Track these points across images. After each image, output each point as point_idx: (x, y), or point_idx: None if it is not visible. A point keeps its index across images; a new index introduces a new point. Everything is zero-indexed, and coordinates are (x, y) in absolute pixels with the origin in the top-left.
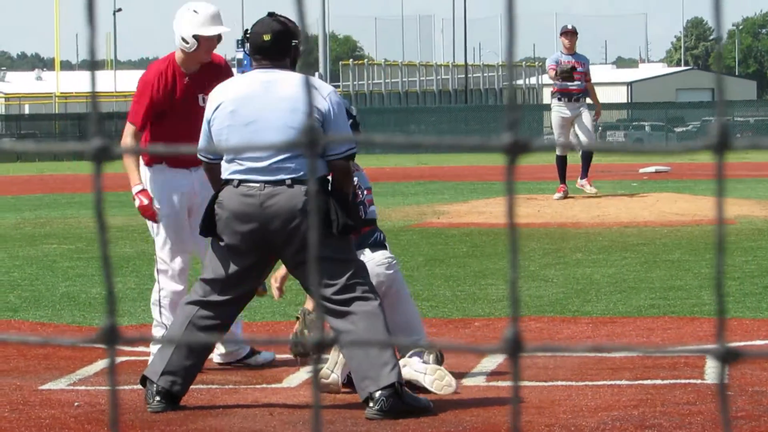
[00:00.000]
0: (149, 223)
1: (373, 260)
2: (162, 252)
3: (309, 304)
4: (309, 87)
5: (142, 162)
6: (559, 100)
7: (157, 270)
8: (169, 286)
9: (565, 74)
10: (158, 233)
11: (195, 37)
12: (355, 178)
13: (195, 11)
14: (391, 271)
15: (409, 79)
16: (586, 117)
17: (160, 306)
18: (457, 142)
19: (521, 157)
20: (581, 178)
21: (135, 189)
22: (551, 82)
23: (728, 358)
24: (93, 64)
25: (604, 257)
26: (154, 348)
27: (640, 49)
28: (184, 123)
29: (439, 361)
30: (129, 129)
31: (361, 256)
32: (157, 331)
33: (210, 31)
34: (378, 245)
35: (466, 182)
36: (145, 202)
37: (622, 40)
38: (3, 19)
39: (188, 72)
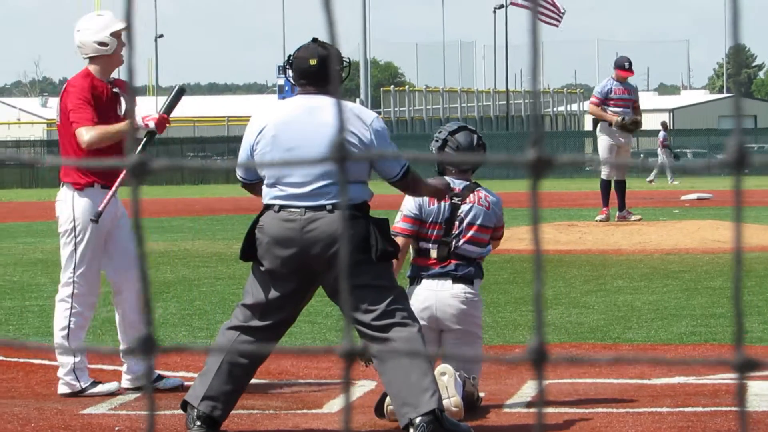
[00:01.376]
0: (66, 246)
1: (450, 291)
2: (80, 276)
3: None
4: (340, 104)
5: (72, 188)
6: (609, 126)
7: (72, 294)
8: (83, 310)
9: (626, 125)
10: (77, 257)
11: (111, 34)
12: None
13: (100, 14)
14: (465, 306)
15: (450, 105)
16: (629, 148)
17: (69, 329)
18: (485, 158)
19: (545, 172)
20: (620, 211)
21: (139, 118)
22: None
23: (746, 367)
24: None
25: (645, 284)
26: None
27: (682, 76)
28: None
29: (475, 398)
30: (84, 129)
31: (440, 285)
32: (66, 358)
33: (121, 24)
34: (463, 280)
35: (507, 209)
36: (156, 116)
37: (665, 67)
38: (45, 45)
39: (107, 81)
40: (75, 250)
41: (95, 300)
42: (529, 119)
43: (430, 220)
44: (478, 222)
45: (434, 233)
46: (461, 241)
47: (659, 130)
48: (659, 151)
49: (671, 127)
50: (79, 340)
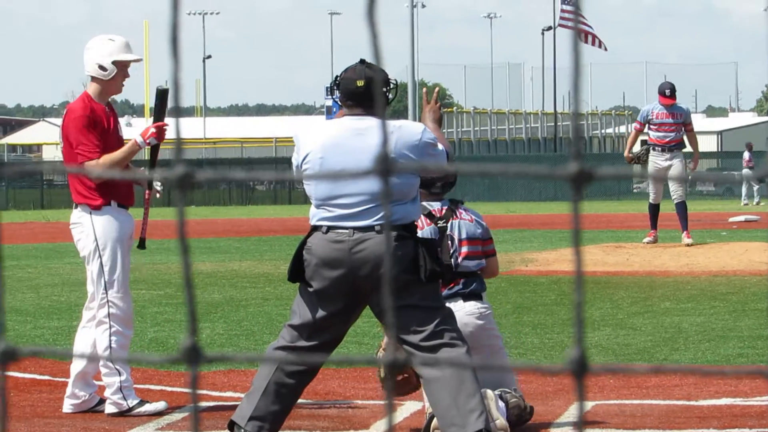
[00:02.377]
0: (92, 268)
1: (463, 309)
2: (113, 294)
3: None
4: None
5: (88, 209)
6: (654, 149)
7: (109, 314)
8: (122, 329)
9: (636, 160)
10: (106, 277)
11: (114, 63)
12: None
13: (111, 39)
14: (482, 322)
15: (498, 127)
16: (679, 168)
17: (110, 348)
18: (524, 171)
19: (586, 185)
20: (683, 231)
21: (138, 137)
22: (646, 130)
23: None
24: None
25: (692, 306)
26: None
27: (731, 98)
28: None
29: (523, 407)
30: (91, 164)
31: (452, 305)
32: (111, 378)
33: (128, 56)
34: (472, 296)
35: (554, 230)
36: (153, 129)
37: (713, 89)
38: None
39: (104, 104)
40: (102, 269)
41: (132, 315)
42: (570, 134)
43: None
44: (468, 235)
45: None
46: (459, 259)
47: (742, 151)
48: (744, 171)
49: (720, 149)
50: (122, 359)
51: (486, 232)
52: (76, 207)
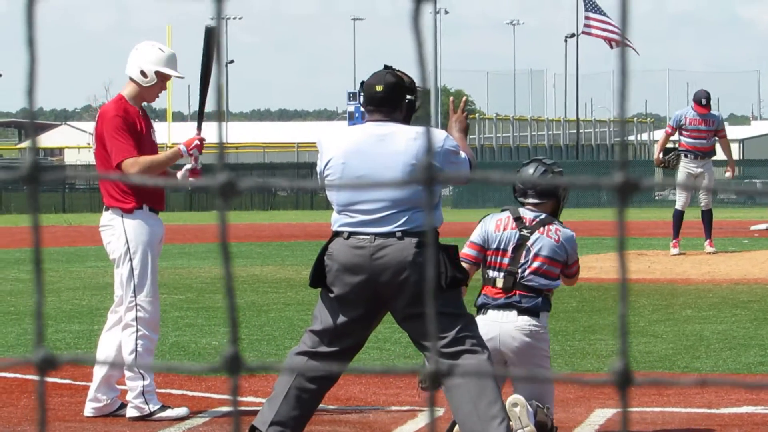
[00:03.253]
0: (122, 270)
1: (515, 323)
2: (142, 298)
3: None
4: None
5: (120, 212)
6: (686, 156)
7: (136, 318)
8: (149, 333)
9: (666, 164)
10: (136, 280)
11: (156, 73)
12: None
13: (161, 49)
14: (530, 339)
15: (521, 133)
16: (710, 176)
17: (136, 352)
18: (573, 181)
19: (632, 195)
20: (706, 239)
21: (182, 146)
22: (676, 137)
23: None
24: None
25: (714, 314)
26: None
27: (753, 107)
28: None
29: (549, 428)
30: (130, 162)
31: (503, 314)
32: (135, 383)
33: (171, 71)
34: (528, 311)
35: (577, 237)
36: (198, 141)
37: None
38: (116, 69)
39: (138, 108)
40: (132, 273)
41: (158, 320)
42: (615, 144)
43: (495, 246)
44: (545, 253)
45: (501, 261)
46: (527, 272)
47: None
48: None
49: (741, 157)
50: (147, 364)
51: (570, 257)
52: (106, 209)
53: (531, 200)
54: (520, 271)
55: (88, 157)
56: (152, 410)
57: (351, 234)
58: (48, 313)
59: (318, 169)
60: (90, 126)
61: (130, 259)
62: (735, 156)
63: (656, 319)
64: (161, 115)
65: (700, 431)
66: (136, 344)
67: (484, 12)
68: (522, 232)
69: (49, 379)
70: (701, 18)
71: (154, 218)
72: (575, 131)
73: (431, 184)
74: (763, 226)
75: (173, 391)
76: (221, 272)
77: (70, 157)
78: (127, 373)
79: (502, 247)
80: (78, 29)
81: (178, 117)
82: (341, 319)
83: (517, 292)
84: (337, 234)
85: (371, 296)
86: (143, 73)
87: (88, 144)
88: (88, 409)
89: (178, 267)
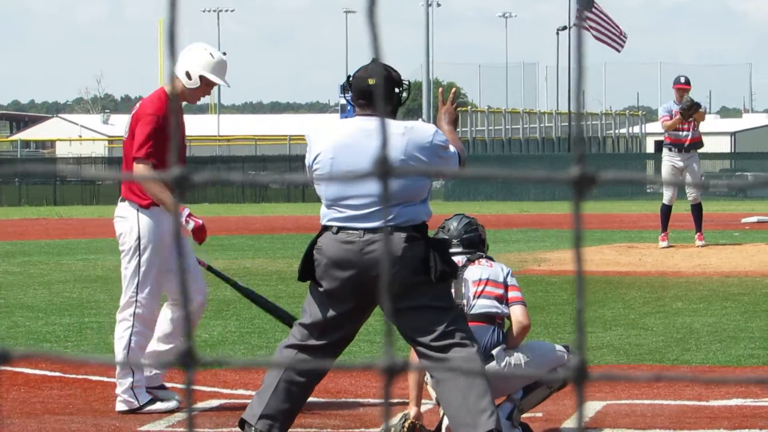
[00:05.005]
0: (129, 265)
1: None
2: (143, 296)
3: (413, 410)
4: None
5: (135, 206)
6: (670, 150)
7: (134, 314)
8: (144, 330)
9: (687, 111)
10: (141, 276)
11: (200, 77)
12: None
13: (211, 54)
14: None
15: (513, 126)
16: (696, 169)
17: (129, 348)
18: (526, 175)
19: (589, 189)
20: (696, 233)
21: (185, 213)
22: (661, 131)
23: None
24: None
25: (704, 306)
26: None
27: (744, 99)
28: (178, 161)
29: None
30: (142, 167)
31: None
32: (125, 378)
33: (216, 78)
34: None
35: (567, 230)
36: (200, 222)
37: (727, 90)
38: (108, 61)
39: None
40: (138, 268)
41: (155, 319)
42: (571, 137)
43: None
44: (484, 277)
45: None
46: (472, 300)
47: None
48: None
49: (733, 150)
50: (138, 360)
51: (509, 278)
52: (122, 201)
53: (455, 249)
54: (465, 302)
55: (79, 150)
56: (141, 404)
57: (340, 229)
58: (38, 305)
59: (306, 163)
60: (81, 118)
61: (139, 255)
62: (726, 149)
63: (647, 311)
64: None
65: (690, 423)
66: (130, 340)
67: (477, 4)
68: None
69: (39, 372)
70: (693, 10)
71: (168, 217)
72: (567, 124)
73: (386, 178)
74: (753, 219)
75: (167, 384)
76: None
77: (62, 150)
78: (118, 368)
79: None
80: (70, 21)
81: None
82: (330, 312)
83: (469, 324)
84: (326, 228)
85: (360, 291)
86: (188, 75)
87: (80, 137)
88: (120, 405)
89: None
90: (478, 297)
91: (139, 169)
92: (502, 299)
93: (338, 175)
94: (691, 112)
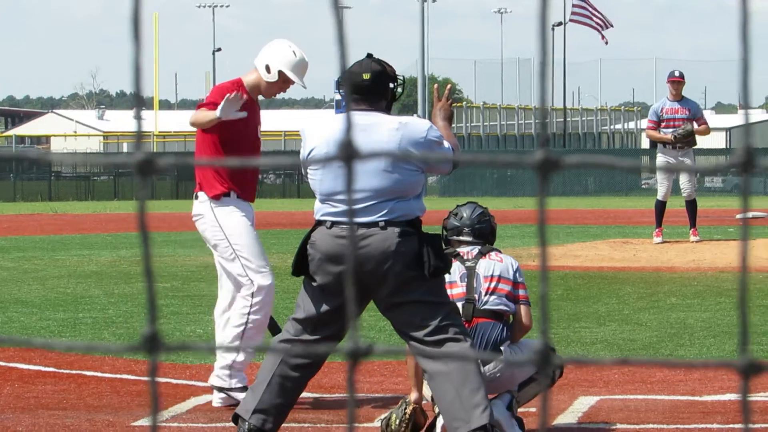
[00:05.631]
0: (224, 254)
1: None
2: (254, 272)
3: (413, 395)
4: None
5: (208, 200)
6: (664, 146)
7: (253, 292)
8: (262, 304)
9: (683, 138)
10: (243, 258)
11: (279, 72)
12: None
13: (294, 52)
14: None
15: (508, 122)
16: (691, 166)
17: (246, 326)
18: (492, 159)
19: (552, 173)
20: (690, 228)
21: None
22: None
23: (750, 370)
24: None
25: (698, 302)
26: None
27: (740, 95)
28: (250, 154)
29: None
30: (196, 111)
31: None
32: (229, 354)
33: (293, 76)
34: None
35: (561, 225)
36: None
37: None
38: (103, 57)
39: (252, 97)
40: (235, 252)
41: (273, 297)
42: (536, 122)
43: (446, 280)
44: (496, 273)
45: (454, 292)
46: (483, 295)
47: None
48: None
49: (728, 146)
50: (252, 342)
51: (518, 275)
52: (196, 198)
53: (465, 238)
54: (476, 296)
55: (75, 145)
56: (232, 386)
57: (334, 223)
58: (32, 301)
59: (301, 158)
60: (76, 114)
61: (229, 242)
62: (722, 145)
63: (641, 306)
64: (148, 104)
65: (683, 418)
66: (248, 318)
67: (472, 0)
68: (467, 264)
69: (34, 367)
70: (688, 6)
71: (243, 204)
72: (562, 120)
73: (350, 162)
74: (748, 215)
75: (158, 379)
76: (207, 260)
77: (57, 146)
78: (229, 342)
79: (450, 280)
80: (65, 17)
81: (165, 105)
82: (324, 307)
83: (478, 321)
84: (319, 223)
85: (354, 285)
86: (267, 68)
87: (75, 132)
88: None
89: (164, 255)
90: (490, 293)
91: (192, 115)
92: (511, 296)
93: (309, 161)
94: (685, 140)
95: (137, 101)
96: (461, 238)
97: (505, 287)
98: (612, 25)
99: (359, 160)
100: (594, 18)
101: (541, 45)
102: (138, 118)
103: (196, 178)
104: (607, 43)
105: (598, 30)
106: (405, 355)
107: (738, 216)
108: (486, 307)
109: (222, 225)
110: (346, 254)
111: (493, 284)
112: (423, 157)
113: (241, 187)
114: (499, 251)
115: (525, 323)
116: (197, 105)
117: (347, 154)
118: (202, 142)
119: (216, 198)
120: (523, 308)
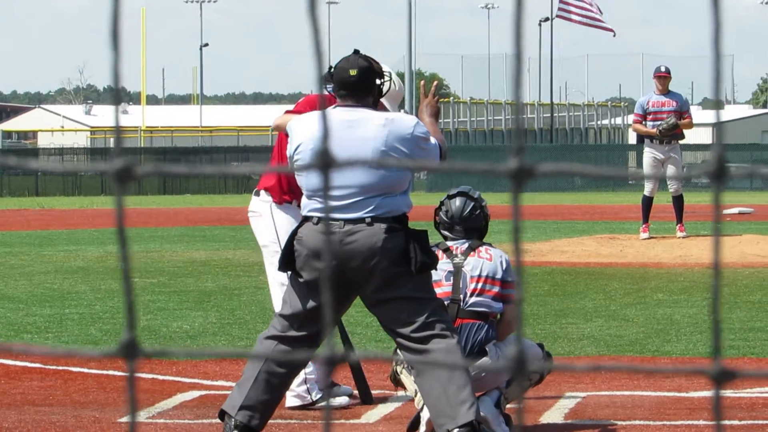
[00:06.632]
0: (273, 260)
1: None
2: None
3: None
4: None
5: (271, 198)
6: (651, 141)
7: None
8: None
9: (667, 131)
10: None
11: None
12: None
13: (395, 82)
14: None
15: (495, 117)
16: (677, 161)
17: None
18: (467, 167)
19: (527, 181)
20: (677, 224)
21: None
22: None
23: (722, 377)
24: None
25: (685, 297)
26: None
27: (726, 91)
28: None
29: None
30: (281, 115)
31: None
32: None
33: (389, 106)
34: (473, 355)
35: (548, 221)
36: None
37: (709, 81)
38: (90, 53)
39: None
40: None
41: None
42: (512, 130)
43: (433, 279)
44: (483, 273)
45: (439, 291)
46: (468, 296)
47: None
48: None
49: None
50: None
51: (507, 274)
52: (256, 194)
53: (455, 235)
54: (462, 296)
55: (62, 141)
56: (314, 399)
57: (320, 219)
58: (19, 296)
59: (288, 154)
60: (63, 109)
61: (280, 247)
62: (708, 141)
63: (627, 302)
64: (135, 99)
65: (669, 415)
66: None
67: None
68: (455, 261)
69: (20, 363)
70: (675, 2)
71: (299, 213)
72: (549, 115)
73: (327, 170)
74: (734, 211)
75: (143, 375)
76: (194, 256)
77: (44, 141)
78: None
79: (439, 278)
80: (51, 11)
81: (152, 100)
82: (310, 303)
83: (462, 321)
84: (306, 219)
85: (341, 281)
86: None
87: (62, 127)
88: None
89: (151, 250)
90: (476, 294)
91: (276, 119)
92: (499, 297)
93: (286, 167)
94: (671, 133)
95: (116, 109)
96: (451, 234)
97: (493, 288)
98: (602, 13)
99: (336, 168)
100: (585, 14)
101: (516, 68)
102: (117, 130)
103: (262, 176)
104: (615, 35)
105: (595, 26)
106: (379, 358)
107: (725, 212)
108: (471, 308)
109: (277, 227)
110: (333, 250)
111: (480, 285)
112: (403, 165)
113: (300, 198)
114: (491, 245)
115: (511, 324)
116: (285, 111)
117: (324, 162)
118: (279, 147)
119: (279, 203)
120: (510, 309)
